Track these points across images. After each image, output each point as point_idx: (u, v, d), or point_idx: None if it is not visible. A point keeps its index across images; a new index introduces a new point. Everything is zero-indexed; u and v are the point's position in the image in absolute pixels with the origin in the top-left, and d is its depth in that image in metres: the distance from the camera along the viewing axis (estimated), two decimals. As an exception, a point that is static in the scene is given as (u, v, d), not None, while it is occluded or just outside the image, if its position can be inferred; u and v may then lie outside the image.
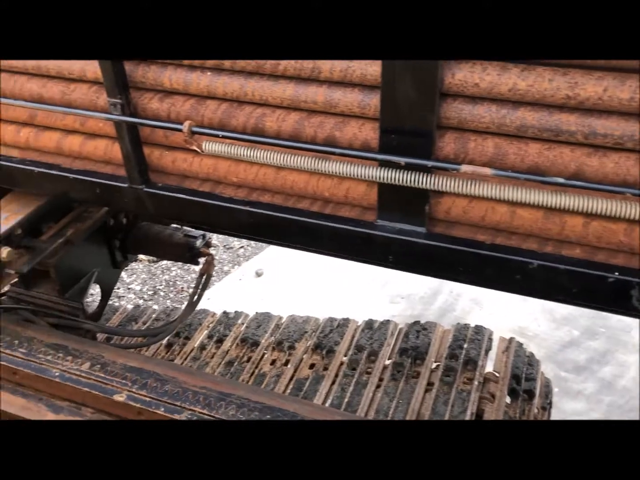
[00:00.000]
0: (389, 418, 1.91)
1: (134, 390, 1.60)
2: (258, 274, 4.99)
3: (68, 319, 2.13)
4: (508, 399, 2.02)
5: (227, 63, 1.40)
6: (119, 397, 1.58)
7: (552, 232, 1.32)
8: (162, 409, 1.55)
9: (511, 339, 2.25)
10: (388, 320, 2.43)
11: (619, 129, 1.15)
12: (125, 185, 1.66)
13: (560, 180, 1.18)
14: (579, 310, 3.33)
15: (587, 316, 3.36)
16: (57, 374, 1.67)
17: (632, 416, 2.76)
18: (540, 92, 1.17)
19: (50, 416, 1.65)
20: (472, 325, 2.31)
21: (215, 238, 5.49)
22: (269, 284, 4.74)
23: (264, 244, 5.47)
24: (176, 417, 1.53)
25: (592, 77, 1.13)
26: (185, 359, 2.56)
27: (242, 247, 5.57)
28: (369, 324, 2.45)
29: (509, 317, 3.41)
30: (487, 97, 1.22)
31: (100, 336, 2.63)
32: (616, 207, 1.19)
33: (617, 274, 1.29)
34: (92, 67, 1.55)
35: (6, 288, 2.13)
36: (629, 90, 1.11)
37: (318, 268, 4.50)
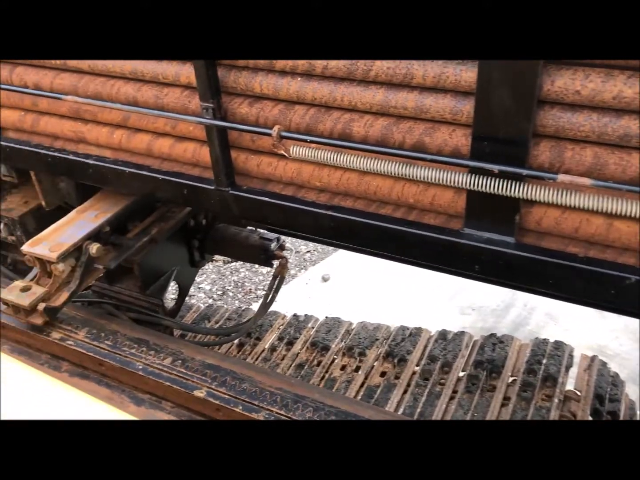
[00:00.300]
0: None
1: (213, 387, 1.64)
2: (324, 279, 5.02)
3: (149, 314, 2.21)
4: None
5: (318, 69, 1.41)
6: (199, 393, 1.62)
7: (650, 246, 1.26)
8: (240, 407, 1.57)
9: (594, 357, 2.15)
10: (462, 331, 2.38)
11: None
12: (212, 187, 1.70)
13: (668, 192, 1.12)
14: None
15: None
16: (140, 367, 1.73)
17: None
18: (650, 100, 1.11)
19: (132, 408, 1.71)
20: (551, 340, 2.23)
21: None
22: (335, 289, 4.75)
23: (330, 249, 5.50)
24: (254, 416, 1.56)
25: None
26: (257, 359, 2.60)
27: (308, 251, 5.61)
28: (443, 334, 2.40)
29: (587, 333, 3.27)
30: (589, 105, 1.18)
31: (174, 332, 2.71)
32: None
33: None
34: (185, 72, 1.60)
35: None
36: None
37: (384, 275, 4.48)
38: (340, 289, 4.70)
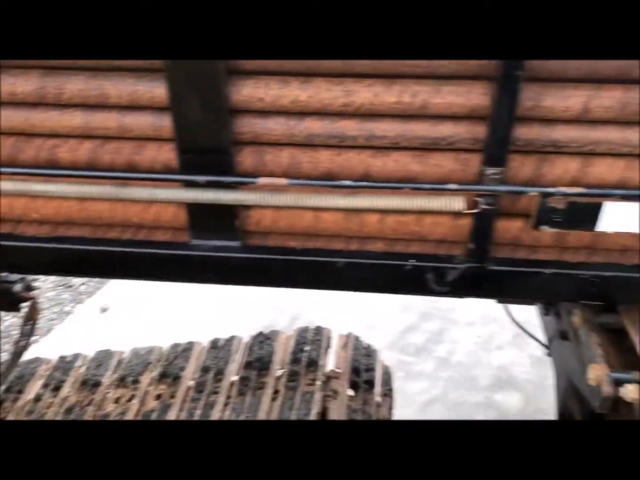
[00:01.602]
0: (240, 434, 1.89)
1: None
2: (103, 310, 4.73)
3: None
4: (352, 393, 2.12)
5: (5, 96, 1.31)
6: None
7: (353, 230, 1.41)
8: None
9: (349, 334, 2.35)
10: (232, 336, 2.43)
11: (392, 130, 1.26)
12: None
13: (348, 182, 1.27)
14: (416, 298, 3.57)
15: (423, 301, 3.63)
16: None
17: (468, 387, 3.02)
18: (321, 102, 1.24)
19: None
20: (313, 326, 2.39)
21: (53, 278, 5.13)
22: (117, 319, 4.51)
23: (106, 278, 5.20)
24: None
25: (364, 85, 1.23)
26: (19, 414, 2.35)
27: (83, 283, 5.24)
28: (214, 342, 2.42)
29: (359, 313, 3.57)
30: (275, 110, 1.28)
31: None
32: (403, 202, 1.31)
33: (413, 261, 1.41)
34: None
35: None
36: (395, 94, 1.22)
37: (167, 294, 4.37)
38: (121, 317, 4.47)
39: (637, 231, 1.28)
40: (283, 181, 1.28)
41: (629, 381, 1.40)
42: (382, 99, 1.23)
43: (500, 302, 2.11)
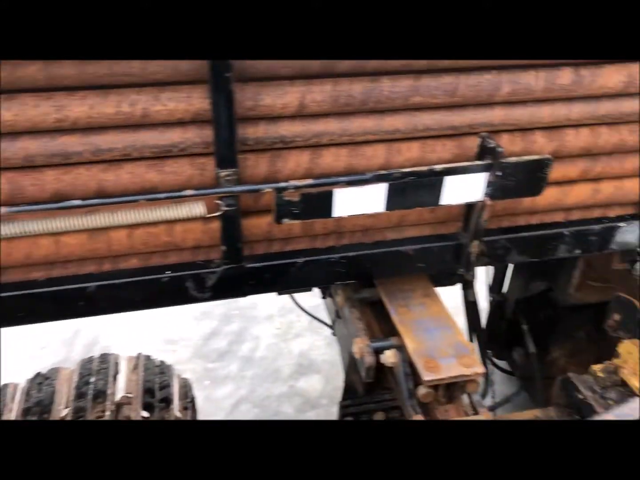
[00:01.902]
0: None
1: None
2: None
3: None
4: (146, 414, 2.02)
5: None
6: None
7: (101, 250, 1.33)
8: None
9: (138, 355, 2.24)
10: (5, 384, 2.17)
11: (119, 141, 1.21)
12: None
13: (77, 202, 1.19)
14: (213, 303, 3.51)
15: (221, 304, 3.61)
16: None
17: (272, 379, 3.08)
18: (30, 120, 1.14)
19: None
20: (98, 355, 2.23)
21: None
22: None
23: None
24: None
25: (76, 97, 1.15)
26: None
27: None
28: (-16, 395, 2.15)
29: (158, 328, 3.43)
30: (-20, 133, 1.15)
31: None
32: (143, 214, 1.26)
33: (169, 272, 1.38)
34: None
35: None
36: (112, 104, 1.17)
37: None
38: None
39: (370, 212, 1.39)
40: (2, 210, 1.15)
41: (387, 347, 1.53)
42: (99, 110, 1.16)
43: (280, 293, 2.18)
